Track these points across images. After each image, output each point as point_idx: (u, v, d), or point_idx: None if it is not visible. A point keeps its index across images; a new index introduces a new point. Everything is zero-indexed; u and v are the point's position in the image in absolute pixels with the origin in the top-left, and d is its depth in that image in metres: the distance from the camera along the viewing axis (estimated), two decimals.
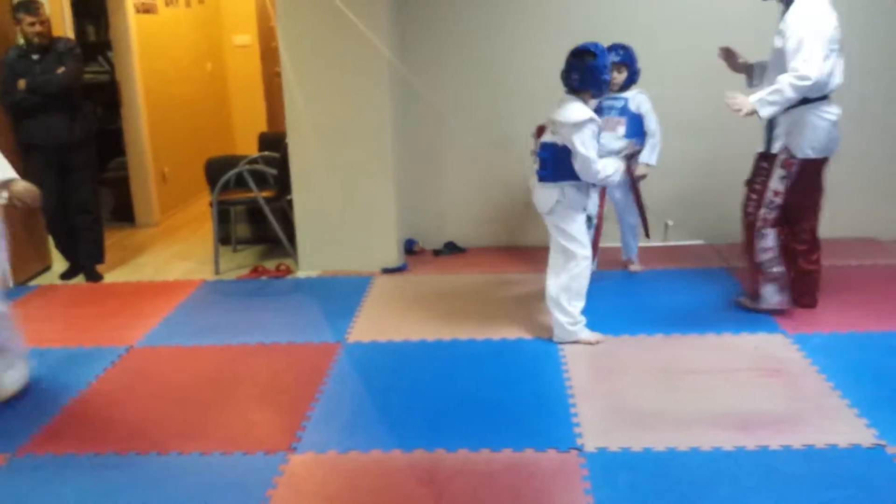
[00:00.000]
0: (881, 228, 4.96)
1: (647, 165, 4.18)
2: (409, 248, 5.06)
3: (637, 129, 4.13)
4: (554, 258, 3.60)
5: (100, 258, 4.96)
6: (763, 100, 3.38)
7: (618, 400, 3.12)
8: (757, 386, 3.18)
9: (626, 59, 4.07)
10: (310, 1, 4.43)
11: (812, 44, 3.34)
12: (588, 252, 3.56)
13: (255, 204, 4.96)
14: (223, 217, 5.23)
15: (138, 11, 5.88)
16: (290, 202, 4.89)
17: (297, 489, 2.64)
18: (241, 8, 7.43)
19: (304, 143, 4.66)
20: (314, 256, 4.81)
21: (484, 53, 4.86)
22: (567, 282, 3.54)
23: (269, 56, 7.12)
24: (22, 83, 4.50)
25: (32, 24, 4.51)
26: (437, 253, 5.07)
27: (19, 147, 4.62)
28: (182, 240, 5.70)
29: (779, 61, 3.50)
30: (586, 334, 3.62)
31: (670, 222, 5.01)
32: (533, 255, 4.65)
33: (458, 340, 3.74)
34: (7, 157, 3.20)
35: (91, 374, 3.52)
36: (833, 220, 4.92)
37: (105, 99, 6.19)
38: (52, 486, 2.69)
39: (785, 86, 3.35)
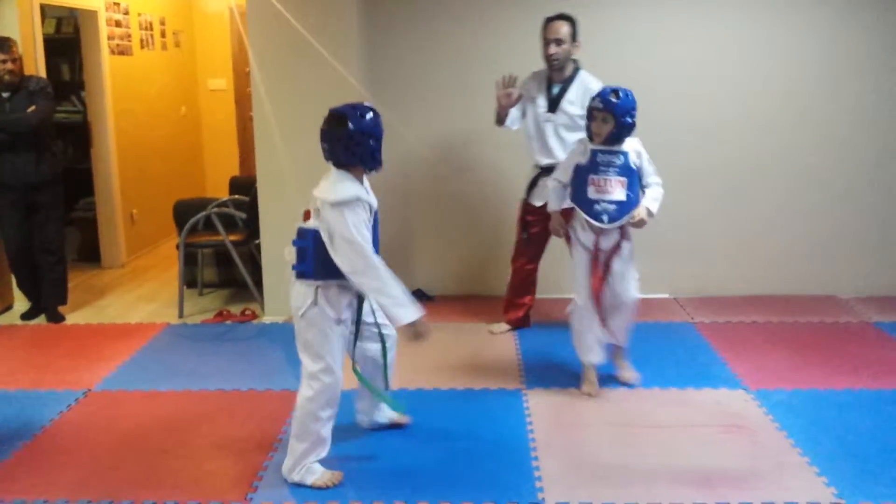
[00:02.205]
0: (841, 286, 5.06)
1: (649, 211, 3.46)
2: None
3: (636, 188, 3.47)
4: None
5: (62, 299, 4.88)
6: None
7: (580, 454, 3.11)
8: (718, 442, 3.19)
9: (610, 107, 3.33)
10: (283, 45, 4.48)
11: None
12: (334, 380, 2.83)
13: (222, 247, 4.94)
14: (190, 260, 5.19)
15: (113, 53, 5.90)
16: (258, 246, 4.87)
17: None
18: (216, 52, 7.48)
19: (273, 187, 4.67)
20: (281, 302, 4.77)
21: (453, 98, 4.93)
22: (300, 409, 2.87)
23: (244, 100, 7.16)
24: None
25: (4, 61, 4.51)
26: None
27: None
28: (148, 282, 5.63)
29: (572, 123, 3.95)
30: (318, 476, 2.88)
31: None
32: (495, 304, 4.65)
33: (423, 390, 3.71)
34: None
35: (46, 418, 3.43)
36: (793, 278, 5.05)
37: (77, 138, 6.17)
38: None
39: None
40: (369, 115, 2.75)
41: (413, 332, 2.75)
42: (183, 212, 5.14)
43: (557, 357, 4.08)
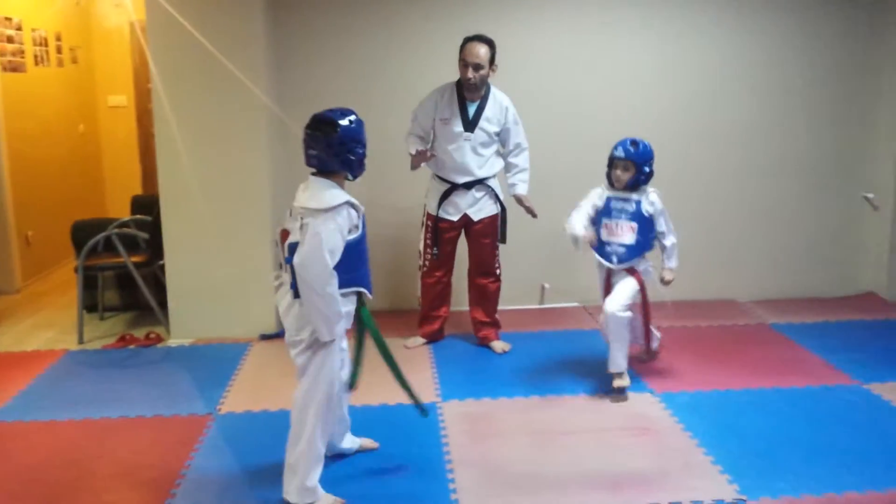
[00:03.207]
0: (739, 291, 5.30)
1: (672, 270, 3.77)
2: None
3: (647, 233, 3.72)
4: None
5: None
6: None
7: (495, 463, 3.13)
8: (627, 445, 3.27)
9: (632, 157, 3.64)
10: (187, 57, 4.35)
11: None
12: (329, 393, 2.81)
13: (124, 269, 4.74)
14: (90, 283, 4.97)
15: (5, 70, 5.62)
16: (162, 267, 4.71)
17: None
18: (116, 69, 7.23)
19: (177, 205, 4.54)
20: (187, 324, 4.63)
21: (362, 108, 4.86)
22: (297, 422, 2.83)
23: (146, 117, 6.94)
24: None
25: None
26: None
27: None
28: (45, 307, 5.36)
29: (489, 140, 4.12)
30: (322, 501, 2.82)
31: (547, 285, 5.16)
32: (414, 318, 4.65)
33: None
34: None
35: None
36: (694, 283, 5.25)
37: None
38: None
39: None
40: (356, 121, 2.74)
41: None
42: (81, 233, 4.92)
43: (471, 368, 4.11)
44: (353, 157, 2.72)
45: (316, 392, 2.77)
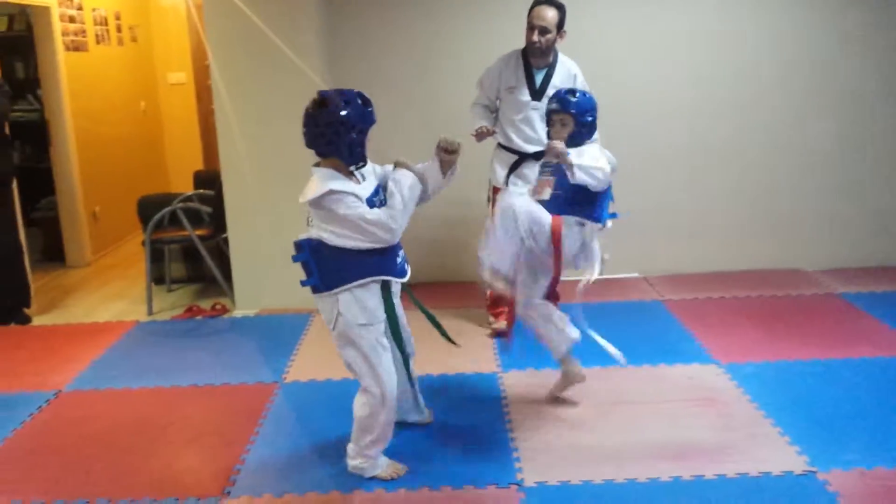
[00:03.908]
0: (806, 260, 5.15)
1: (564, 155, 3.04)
2: None
3: (576, 194, 3.11)
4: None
5: (25, 301, 4.78)
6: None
7: (556, 433, 3.13)
8: (691, 416, 3.23)
9: (568, 108, 3.14)
10: (242, 38, 4.41)
11: None
12: (383, 389, 2.73)
13: (189, 242, 4.87)
14: (157, 256, 5.11)
15: (68, 49, 5.77)
16: (225, 240, 4.81)
17: None
18: (175, 46, 7.35)
19: (238, 180, 4.61)
20: (251, 294, 4.73)
21: (416, 89, 4.91)
22: (357, 419, 2.80)
23: (205, 94, 7.04)
24: None
25: None
26: None
27: None
28: (114, 280, 5.54)
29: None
30: (382, 469, 2.84)
31: (607, 255, 5.08)
32: (469, 289, 4.66)
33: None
34: None
35: (17, 421, 3.37)
36: (759, 253, 5.13)
37: (34, 137, 6.03)
38: None
39: None
40: (355, 103, 2.58)
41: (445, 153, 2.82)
42: (147, 208, 5.06)
43: (531, 339, 4.09)
44: (338, 140, 2.55)
45: (366, 381, 2.74)
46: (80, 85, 5.92)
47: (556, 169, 3.16)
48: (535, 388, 3.54)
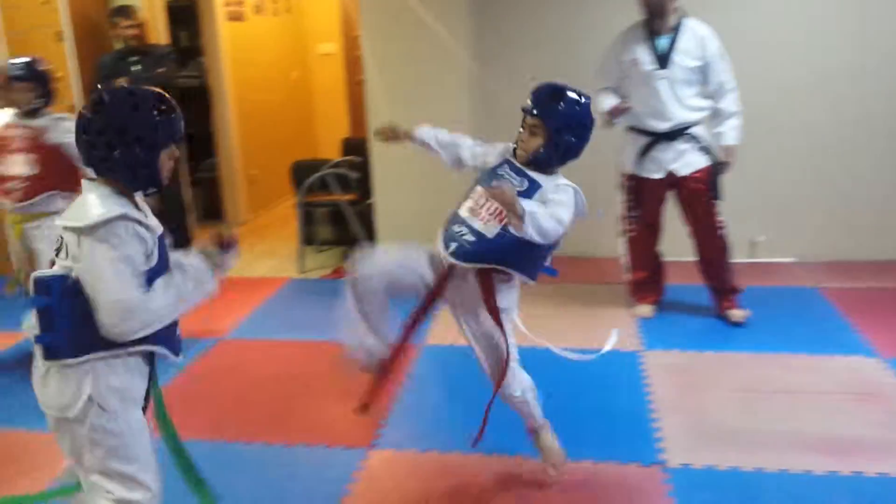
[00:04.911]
0: None
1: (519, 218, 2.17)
2: None
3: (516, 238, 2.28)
4: None
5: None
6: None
7: (702, 416, 3.04)
8: (851, 410, 3.05)
9: (545, 114, 2.33)
10: (393, 11, 4.50)
11: None
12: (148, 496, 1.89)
13: (337, 207, 5.06)
14: (307, 219, 5.35)
15: (228, 19, 6.07)
16: (371, 205, 4.97)
17: (375, 485, 2.67)
18: (326, 17, 7.59)
19: (385, 149, 4.72)
20: None
21: (565, 69, 4.81)
22: None
23: (353, 64, 7.25)
24: (122, 80, 4.69)
25: (128, 27, 4.74)
26: None
27: None
28: (268, 238, 5.85)
29: (689, 77, 3.65)
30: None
31: (761, 238, 4.86)
32: (607, 265, 4.58)
33: (537, 348, 3.70)
34: None
35: (180, 365, 3.62)
36: None
37: (197, 103, 6.41)
38: None
39: None
40: (145, 108, 1.82)
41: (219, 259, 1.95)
42: (300, 172, 5.29)
43: (675, 319, 3.99)
44: (117, 156, 1.78)
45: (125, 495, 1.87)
46: (239, 53, 6.24)
47: (523, 196, 2.29)
48: (679, 369, 3.45)
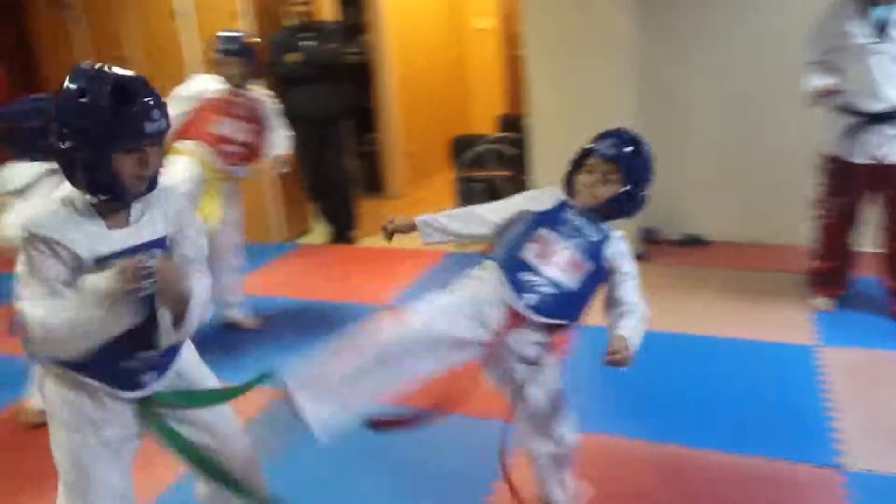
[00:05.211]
0: None
1: (623, 340, 2.03)
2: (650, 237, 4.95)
3: (590, 287, 2.14)
4: None
5: (351, 225, 5.36)
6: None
7: (885, 417, 2.86)
8: None
9: (623, 163, 2.13)
10: None
11: None
12: None
13: (493, 182, 5.10)
14: (463, 193, 5.42)
15: None
16: (526, 182, 4.97)
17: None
18: None
19: (543, 126, 4.71)
20: None
21: (732, 48, 4.60)
22: None
23: (511, 40, 7.22)
24: (295, 56, 4.91)
25: (299, 4, 4.96)
26: (677, 244, 4.90)
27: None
28: (425, 211, 5.92)
29: None
30: None
31: None
32: (780, 252, 4.36)
33: (699, 336, 3.60)
34: None
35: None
36: None
37: (360, 79, 6.62)
38: None
39: None
40: (97, 98, 1.56)
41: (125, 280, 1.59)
42: (460, 146, 5.37)
43: (857, 316, 3.72)
44: (62, 151, 1.60)
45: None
46: (401, 30, 6.36)
47: (591, 250, 2.12)
48: (859, 368, 3.24)
